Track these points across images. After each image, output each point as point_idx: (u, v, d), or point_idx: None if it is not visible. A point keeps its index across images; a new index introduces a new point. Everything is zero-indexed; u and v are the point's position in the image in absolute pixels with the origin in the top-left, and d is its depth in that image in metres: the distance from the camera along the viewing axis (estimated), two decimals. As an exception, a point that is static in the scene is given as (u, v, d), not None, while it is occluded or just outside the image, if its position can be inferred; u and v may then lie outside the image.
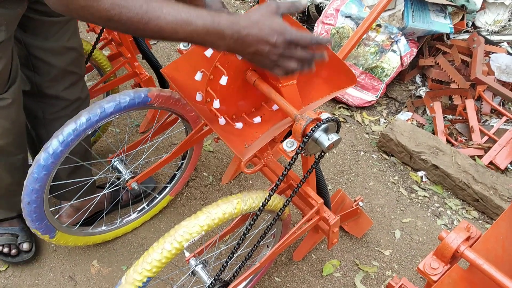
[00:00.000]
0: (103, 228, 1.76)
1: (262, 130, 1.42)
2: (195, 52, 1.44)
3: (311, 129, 1.16)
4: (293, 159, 1.18)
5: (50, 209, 1.49)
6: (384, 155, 2.29)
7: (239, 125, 1.38)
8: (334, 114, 2.50)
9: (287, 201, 1.34)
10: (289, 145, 1.20)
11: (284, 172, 1.21)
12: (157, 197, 1.88)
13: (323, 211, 1.48)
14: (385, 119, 2.52)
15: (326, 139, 1.16)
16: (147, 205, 1.86)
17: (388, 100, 2.66)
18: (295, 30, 1.06)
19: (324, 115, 1.19)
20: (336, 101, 2.56)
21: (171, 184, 1.88)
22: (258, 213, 1.24)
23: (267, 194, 1.25)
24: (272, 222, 1.31)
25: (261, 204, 1.26)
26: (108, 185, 1.67)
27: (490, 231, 1.07)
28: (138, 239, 1.85)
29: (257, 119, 1.43)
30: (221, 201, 1.22)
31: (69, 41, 1.47)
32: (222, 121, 1.35)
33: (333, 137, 1.17)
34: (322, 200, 1.44)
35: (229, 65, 1.24)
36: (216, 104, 1.28)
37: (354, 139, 2.36)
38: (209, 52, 1.31)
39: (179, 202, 1.97)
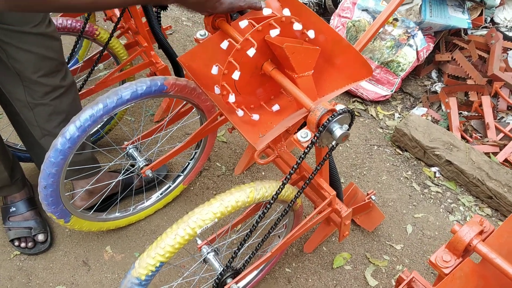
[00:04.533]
0: (117, 214, 1.78)
1: (277, 121, 1.43)
2: (212, 41, 1.45)
3: (327, 119, 1.16)
4: (308, 149, 1.19)
5: (66, 194, 1.51)
6: (397, 150, 2.28)
7: (255, 116, 1.39)
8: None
9: (300, 192, 1.34)
10: (304, 136, 1.21)
11: (298, 161, 1.22)
12: (171, 186, 1.89)
13: (336, 203, 1.49)
14: (400, 114, 2.51)
15: (340, 130, 1.16)
16: (161, 194, 1.88)
17: (403, 95, 2.64)
18: None
19: (339, 106, 1.20)
20: (350, 94, 2.55)
21: (185, 173, 1.90)
22: (271, 202, 1.25)
23: (280, 184, 1.25)
24: (284, 212, 1.32)
25: (274, 193, 1.26)
26: (122, 172, 1.69)
27: (503, 226, 1.06)
28: (151, 227, 1.87)
29: (276, 107, 1.43)
30: (234, 189, 1.23)
31: (46, 27, 1.40)
32: (240, 113, 1.36)
33: (347, 128, 1.17)
34: (334, 192, 1.45)
35: (245, 58, 1.24)
36: (232, 98, 1.29)
37: (368, 133, 2.35)
38: (225, 45, 1.31)
39: (192, 191, 1.99)
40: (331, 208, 1.49)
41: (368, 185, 2.10)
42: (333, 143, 1.20)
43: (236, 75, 1.25)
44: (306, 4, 2.85)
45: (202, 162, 1.91)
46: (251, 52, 1.23)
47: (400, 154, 2.26)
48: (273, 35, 1.24)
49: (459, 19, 2.59)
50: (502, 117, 2.46)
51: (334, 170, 1.53)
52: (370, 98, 2.51)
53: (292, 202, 1.34)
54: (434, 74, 2.72)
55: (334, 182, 1.54)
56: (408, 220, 1.97)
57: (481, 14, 2.78)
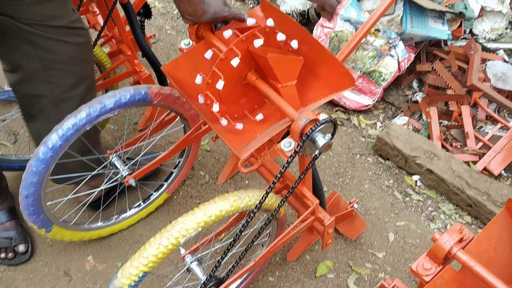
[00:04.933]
0: (99, 224, 1.77)
1: (261, 130, 1.44)
2: (196, 51, 1.46)
3: (310, 129, 1.18)
4: (291, 159, 1.20)
5: (48, 203, 1.50)
6: (379, 159, 2.30)
7: (239, 125, 1.40)
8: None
9: (283, 200, 1.35)
10: (287, 145, 1.22)
11: (282, 170, 1.23)
12: (154, 194, 1.89)
13: (319, 211, 1.50)
14: (382, 123, 2.54)
15: (323, 140, 1.18)
16: (144, 203, 1.87)
17: (385, 104, 2.68)
18: None
19: (322, 116, 1.22)
20: (333, 104, 2.58)
21: (168, 182, 1.89)
22: (254, 211, 1.25)
23: (264, 193, 1.26)
24: (267, 221, 1.33)
25: (257, 202, 1.27)
26: (105, 181, 1.68)
27: (482, 233, 1.08)
28: (134, 236, 1.85)
29: (259, 116, 1.44)
30: (218, 198, 1.23)
31: (70, 19, 1.40)
32: (224, 122, 1.36)
33: (330, 137, 1.19)
34: (317, 201, 1.46)
35: (229, 68, 1.25)
36: (216, 107, 1.30)
37: (351, 142, 2.38)
38: (209, 54, 1.32)
39: (175, 200, 1.98)
40: (314, 217, 1.50)
41: (350, 193, 2.12)
42: (316, 152, 1.22)
43: (220, 84, 1.26)
44: (289, 14, 2.87)
45: (185, 171, 1.91)
46: (235, 62, 1.24)
47: (382, 163, 2.29)
48: (257, 45, 1.25)
49: (439, 30, 2.64)
50: (481, 127, 2.51)
51: (317, 179, 1.54)
52: (353, 108, 2.54)
53: (275, 211, 1.34)
54: (415, 84, 2.77)
55: (317, 190, 1.56)
56: (390, 228, 1.99)
57: (460, 25, 2.84)
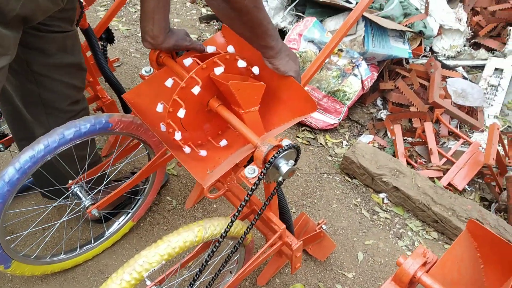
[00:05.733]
0: (62, 256, 1.71)
1: (225, 156, 1.43)
2: (157, 78, 1.44)
3: (273, 156, 1.17)
4: (255, 186, 1.19)
5: (6, 238, 1.44)
6: (346, 177, 2.32)
7: (203, 152, 1.38)
8: (298, 137, 2.53)
9: (250, 227, 1.34)
10: (251, 172, 1.21)
11: (246, 198, 1.21)
12: (119, 223, 1.84)
13: (286, 236, 1.49)
14: (348, 142, 2.57)
15: (286, 166, 1.17)
16: (108, 231, 1.82)
17: (350, 122, 2.71)
18: None
19: (286, 142, 1.21)
20: (300, 124, 2.59)
21: (133, 209, 1.85)
22: (220, 240, 1.24)
23: (229, 221, 1.24)
24: (234, 248, 1.31)
25: (223, 231, 1.25)
26: (67, 212, 1.63)
27: (446, 255, 1.09)
28: (99, 267, 1.80)
29: (223, 142, 1.43)
30: (182, 229, 1.21)
31: (71, 56, 1.45)
32: (187, 150, 1.35)
33: (293, 164, 1.19)
34: (284, 226, 1.45)
35: (190, 95, 1.24)
36: (178, 136, 1.28)
37: (318, 161, 2.39)
38: (169, 83, 1.31)
39: (141, 227, 1.94)
40: (281, 242, 1.49)
41: (319, 213, 2.12)
42: (280, 178, 1.21)
43: (181, 113, 1.25)
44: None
45: (151, 198, 1.87)
46: (196, 90, 1.23)
47: (349, 181, 2.30)
48: (217, 72, 1.25)
49: (400, 49, 2.71)
50: (444, 142, 2.56)
51: (283, 203, 1.54)
52: (319, 127, 2.56)
53: (242, 238, 1.33)
54: (379, 102, 2.82)
55: (284, 215, 1.55)
56: (359, 248, 2.00)
57: (420, 44, 2.91)
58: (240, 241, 1.32)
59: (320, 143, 2.51)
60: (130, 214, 1.85)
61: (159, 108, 1.33)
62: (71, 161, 1.56)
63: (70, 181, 1.62)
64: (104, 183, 1.65)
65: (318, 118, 2.57)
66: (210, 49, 1.37)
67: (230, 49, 1.39)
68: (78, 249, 1.76)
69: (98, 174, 1.63)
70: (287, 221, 1.55)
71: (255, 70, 1.35)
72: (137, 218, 1.88)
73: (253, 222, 1.32)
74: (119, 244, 1.87)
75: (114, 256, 1.84)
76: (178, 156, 1.36)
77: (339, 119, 2.59)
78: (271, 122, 1.46)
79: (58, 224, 1.66)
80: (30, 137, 1.51)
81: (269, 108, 1.46)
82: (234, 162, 1.35)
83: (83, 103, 1.61)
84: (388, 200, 2.23)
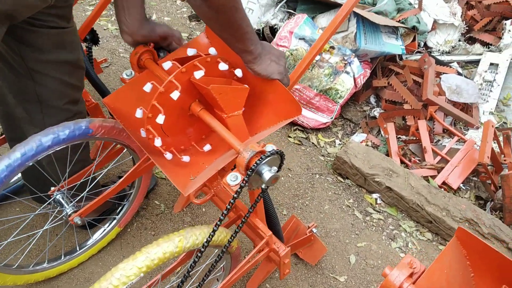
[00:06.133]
0: (45, 265, 1.67)
1: (209, 161, 1.39)
2: (139, 81, 1.40)
3: (255, 162, 1.13)
4: (237, 194, 1.15)
5: (-15, 249, 1.40)
6: (339, 178, 2.28)
7: (186, 158, 1.34)
8: (289, 137, 2.48)
9: (234, 235, 1.30)
10: (233, 179, 1.17)
11: (228, 207, 1.17)
12: (105, 229, 1.80)
13: (273, 242, 1.45)
14: (341, 141, 2.53)
15: (269, 173, 1.13)
16: (94, 238, 1.78)
17: (343, 121, 2.67)
18: None
19: (269, 147, 1.17)
20: (291, 123, 2.55)
21: (119, 215, 1.81)
22: (202, 250, 1.19)
23: (211, 230, 1.20)
24: (218, 257, 1.27)
25: (205, 240, 1.21)
26: (50, 220, 1.59)
27: (434, 265, 1.05)
28: (85, 274, 1.76)
29: (207, 147, 1.39)
30: (162, 240, 1.17)
31: (67, 53, 1.42)
32: (169, 156, 1.31)
33: (276, 170, 1.14)
34: (270, 233, 1.41)
35: (170, 100, 1.20)
36: (158, 142, 1.24)
37: (310, 161, 2.35)
38: (148, 87, 1.26)
39: (128, 233, 1.90)
40: (268, 248, 1.45)
41: (310, 215, 2.08)
42: (263, 186, 1.17)
43: (160, 119, 1.20)
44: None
45: (137, 203, 1.83)
46: (175, 95, 1.19)
47: (341, 182, 2.26)
48: (197, 76, 1.20)
49: (393, 45, 2.66)
50: (439, 140, 2.52)
51: (270, 208, 1.49)
52: (311, 126, 2.52)
53: (226, 247, 1.29)
54: (372, 99, 2.77)
55: (271, 220, 1.51)
56: (351, 250, 1.96)
57: (414, 39, 2.87)
58: (223, 249, 1.28)
59: (312, 143, 2.47)
60: (115, 220, 1.81)
61: (138, 113, 1.29)
62: (60, 165, 1.53)
63: (52, 188, 1.58)
64: (87, 189, 1.61)
65: (310, 117, 2.53)
66: (190, 51, 1.32)
67: (212, 51, 1.34)
68: (62, 257, 1.72)
69: (81, 180, 1.59)
70: (275, 226, 1.51)
71: (238, 72, 1.31)
72: (124, 224, 1.84)
73: (237, 230, 1.28)
74: (105, 250, 1.83)
75: (101, 263, 1.80)
76: (159, 163, 1.32)
77: (331, 118, 2.55)
78: (257, 125, 1.42)
79: (40, 232, 1.62)
80: (22, 138, 1.47)
81: (256, 111, 1.41)
82: (217, 168, 1.31)
83: (80, 105, 1.58)
84: (382, 200, 2.19)
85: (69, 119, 1.45)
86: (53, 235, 1.81)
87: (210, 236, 1.19)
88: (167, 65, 1.27)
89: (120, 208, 1.82)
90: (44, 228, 1.59)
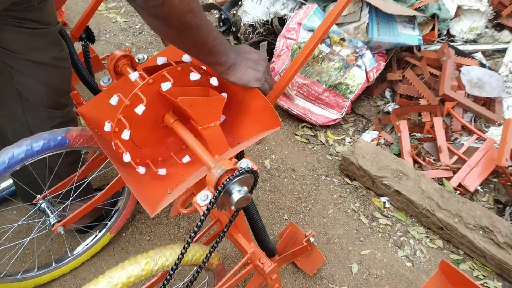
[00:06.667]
0: (35, 272, 1.65)
1: (189, 172, 1.32)
2: (116, 89, 1.33)
3: (224, 182, 1.05)
4: (204, 216, 1.07)
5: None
6: (346, 179, 2.17)
7: (162, 171, 1.28)
8: (296, 135, 2.38)
9: (210, 253, 1.23)
10: (203, 198, 1.09)
11: (195, 229, 1.10)
12: (97, 235, 1.77)
13: (257, 258, 1.37)
14: (351, 138, 2.40)
15: (238, 194, 1.05)
16: (86, 245, 1.75)
17: (355, 116, 2.54)
18: None
19: (243, 164, 1.08)
20: (299, 120, 2.44)
21: (111, 221, 1.77)
22: (170, 273, 1.13)
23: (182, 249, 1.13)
24: (193, 277, 1.20)
25: (175, 261, 1.14)
26: (36, 229, 1.56)
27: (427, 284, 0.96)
28: (77, 281, 1.74)
29: (186, 158, 1.32)
30: (128, 262, 1.10)
31: (43, 54, 1.40)
32: (141, 170, 1.24)
33: (247, 191, 1.06)
34: (253, 249, 1.34)
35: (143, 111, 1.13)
36: (127, 158, 1.17)
37: (316, 161, 2.24)
38: (114, 100, 1.19)
39: (123, 237, 1.86)
40: (252, 265, 1.37)
41: (313, 220, 1.99)
42: (232, 207, 1.09)
43: (125, 134, 1.13)
44: (252, 25, 2.74)
45: (130, 208, 1.78)
46: (139, 109, 1.11)
47: (348, 183, 2.15)
48: (165, 88, 1.12)
49: (409, 36, 2.50)
50: (456, 138, 2.36)
51: (256, 221, 1.41)
52: (320, 123, 2.40)
53: (201, 267, 1.22)
54: (387, 94, 2.62)
55: (257, 233, 1.42)
56: (354, 258, 1.86)
57: (433, 28, 2.68)
58: (198, 269, 1.21)
59: (320, 141, 2.36)
60: (107, 226, 1.77)
61: (107, 127, 1.22)
62: (41, 174, 1.50)
63: (38, 196, 1.55)
64: (72, 197, 1.57)
65: (319, 114, 2.41)
66: (160, 60, 1.24)
67: (186, 58, 1.25)
68: (53, 263, 1.70)
69: (66, 189, 1.55)
70: (262, 240, 1.43)
71: (213, 81, 1.22)
72: (116, 230, 1.80)
73: (211, 250, 1.21)
74: (98, 256, 1.80)
75: (93, 269, 1.77)
76: (132, 176, 1.26)
77: (341, 114, 2.43)
78: (239, 135, 1.33)
79: (28, 240, 1.60)
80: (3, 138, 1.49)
81: (238, 120, 1.33)
82: (195, 180, 1.24)
83: (66, 109, 1.55)
84: (391, 204, 2.07)
85: (53, 121, 1.45)
86: (41, 243, 1.79)
87: (179, 259, 1.12)
88: (133, 76, 1.21)
89: (112, 213, 1.78)
90: (30, 237, 1.57)
